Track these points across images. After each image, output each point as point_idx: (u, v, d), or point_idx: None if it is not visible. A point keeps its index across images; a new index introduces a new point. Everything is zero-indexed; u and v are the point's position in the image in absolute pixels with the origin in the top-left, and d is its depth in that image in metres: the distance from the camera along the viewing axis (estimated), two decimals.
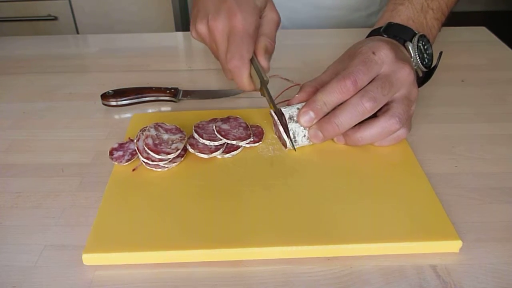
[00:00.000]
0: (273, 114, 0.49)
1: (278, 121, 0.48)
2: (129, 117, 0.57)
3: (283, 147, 0.49)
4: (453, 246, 0.38)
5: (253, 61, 0.50)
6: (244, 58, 0.48)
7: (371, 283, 0.36)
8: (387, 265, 0.38)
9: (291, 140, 0.47)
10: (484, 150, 0.51)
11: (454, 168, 0.48)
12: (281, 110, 0.47)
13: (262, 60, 0.50)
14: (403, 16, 0.54)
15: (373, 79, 0.46)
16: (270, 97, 0.49)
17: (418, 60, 0.51)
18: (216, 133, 0.49)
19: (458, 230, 0.39)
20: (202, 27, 0.50)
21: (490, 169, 0.48)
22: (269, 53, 0.51)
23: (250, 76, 0.50)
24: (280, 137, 0.50)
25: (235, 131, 0.49)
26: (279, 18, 0.53)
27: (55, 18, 1.60)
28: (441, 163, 0.49)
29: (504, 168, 0.48)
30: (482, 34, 0.80)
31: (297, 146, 0.48)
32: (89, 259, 0.37)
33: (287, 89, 0.55)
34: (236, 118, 0.52)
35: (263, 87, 0.50)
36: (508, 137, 0.53)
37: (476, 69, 0.68)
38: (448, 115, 0.57)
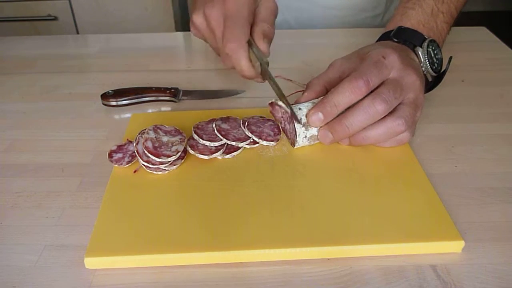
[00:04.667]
0: (280, 103, 0.48)
1: (284, 106, 0.47)
2: (129, 117, 0.56)
3: (290, 146, 0.49)
4: (456, 246, 0.38)
5: (252, 47, 0.49)
6: (241, 39, 0.47)
7: (371, 283, 0.36)
8: (387, 265, 0.38)
9: (297, 119, 0.46)
10: (484, 150, 0.51)
11: (454, 168, 0.48)
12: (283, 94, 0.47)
13: (261, 44, 0.49)
14: (413, 20, 0.54)
15: (382, 83, 0.46)
16: (273, 79, 0.48)
17: (428, 65, 0.51)
18: (216, 132, 0.49)
19: (458, 230, 0.39)
20: (198, 18, 0.50)
21: (490, 169, 0.48)
22: (268, 37, 0.50)
23: (250, 60, 0.49)
24: (286, 132, 0.49)
25: (235, 131, 0.49)
26: (276, 6, 0.52)
27: (55, 18, 1.60)
28: (441, 163, 0.49)
29: (504, 168, 0.48)
30: (482, 34, 0.80)
31: (297, 146, 0.48)
32: (91, 262, 0.37)
33: (293, 93, 0.54)
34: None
35: (264, 71, 0.48)
36: (508, 137, 0.53)
37: (476, 69, 0.68)
38: (448, 115, 0.57)
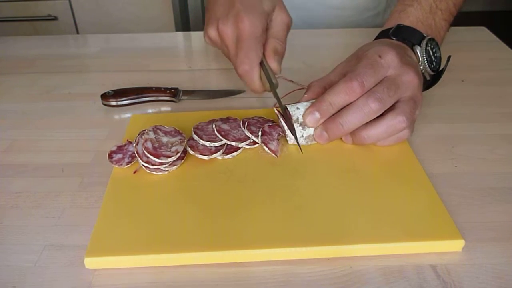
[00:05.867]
0: (279, 116, 0.49)
1: (284, 125, 0.48)
2: (129, 117, 0.56)
3: (290, 146, 0.49)
4: (456, 245, 0.38)
5: (263, 63, 0.50)
6: (253, 62, 0.49)
7: (371, 283, 0.36)
8: (387, 265, 0.38)
9: (298, 144, 0.47)
10: (484, 150, 0.50)
11: (454, 168, 0.48)
12: (289, 114, 0.48)
13: (272, 62, 0.51)
14: (412, 17, 0.54)
15: (379, 82, 0.46)
16: (278, 99, 0.50)
17: (426, 63, 0.51)
18: (216, 132, 0.49)
19: (458, 229, 0.39)
20: (212, 32, 0.52)
21: (490, 169, 0.48)
22: (278, 54, 0.51)
23: (261, 78, 0.50)
24: (285, 134, 0.50)
25: (234, 131, 0.49)
26: (290, 19, 0.53)
27: (55, 18, 1.60)
28: (441, 163, 0.49)
29: (504, 168, 0.48)
30: (482, 34, 0.80)
31: (291, 143, 0.48)
32: (91, 262, 0.37)
33: (292, 91, 0.55)
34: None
35: (272, 90, 0.50)
36: (508, 137, 0.53)
37: (476, 69, 0.68)
38: (448, 115, 0.57)
